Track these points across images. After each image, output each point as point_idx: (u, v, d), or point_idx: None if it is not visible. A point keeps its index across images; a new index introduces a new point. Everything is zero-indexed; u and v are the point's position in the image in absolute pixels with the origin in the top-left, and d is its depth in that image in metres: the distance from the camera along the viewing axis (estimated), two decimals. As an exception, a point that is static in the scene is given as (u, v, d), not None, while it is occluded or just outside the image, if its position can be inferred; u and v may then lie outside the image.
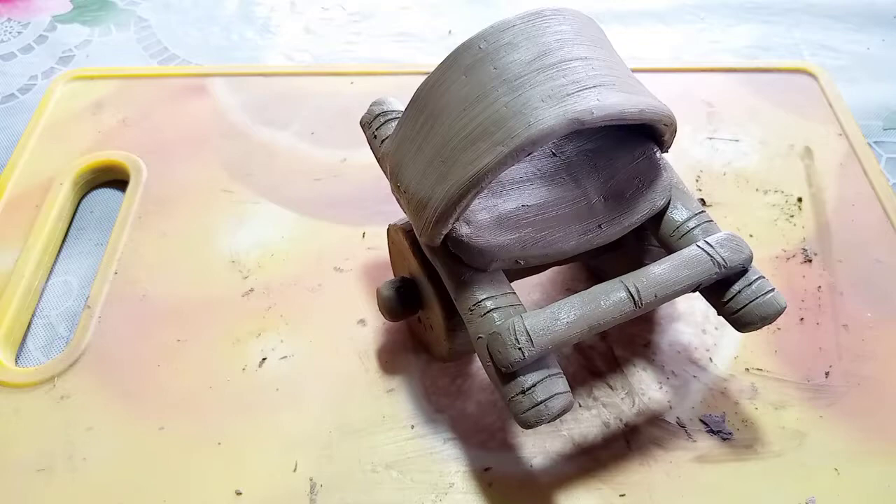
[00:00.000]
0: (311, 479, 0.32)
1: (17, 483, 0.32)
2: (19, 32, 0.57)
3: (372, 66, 0.52)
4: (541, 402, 0.26)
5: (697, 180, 0.44)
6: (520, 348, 0.26)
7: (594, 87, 0.26)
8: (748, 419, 0.34)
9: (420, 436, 0.33)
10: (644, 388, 0.35)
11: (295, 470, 0.32)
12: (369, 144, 0.33)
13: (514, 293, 0.29)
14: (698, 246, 0.29)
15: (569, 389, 0.27)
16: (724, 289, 0.30)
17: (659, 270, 0.29)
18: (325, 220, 0.42)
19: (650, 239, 0.34)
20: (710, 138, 0.47)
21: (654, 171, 0.31)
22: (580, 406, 0.34)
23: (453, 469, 0.32)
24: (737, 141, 0.47)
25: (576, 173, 0.31)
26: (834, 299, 0.38)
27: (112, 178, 0.45)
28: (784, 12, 0.60)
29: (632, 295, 0.28)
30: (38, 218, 0.41)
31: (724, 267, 0.29)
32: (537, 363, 0.27)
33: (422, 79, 0.28)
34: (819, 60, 0.55)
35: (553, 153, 0.32)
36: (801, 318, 0.38)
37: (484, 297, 0.28)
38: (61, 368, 0.35)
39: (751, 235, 0.41)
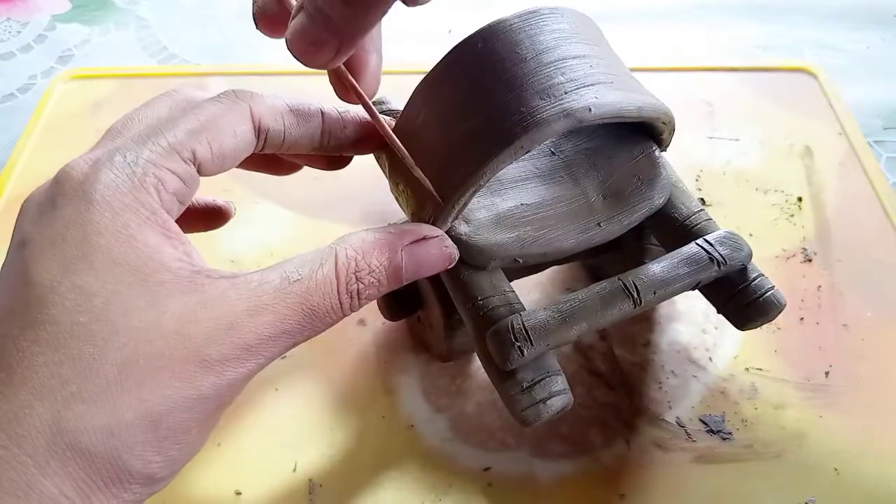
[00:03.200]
0: (310, 480, 0.32)
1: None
2: (18, 32, 0.57)
3: (371, 65, 0.52)
4: (540, 401, 0.26)
5: (697, 179, 0.44)
6: (518, 346, 0.26)
7: (592, 84, 0.26)
8: (748, 419, 0.34)
9: (419, 435, 0.33)
10: (644, 388, 0.35)
11: (294, 470, 0.32)
12: (368, 143, 0.33)
13: (514, 292, 0.28)
14: (697, 244, 0.29)
15: (567, 388, 0.27)
16: (723, 287, 0.30)
17: (658, 268, 0.29)
18: (324, 220, 0.42)
19: (649, 237, 0.34)
20: (710, 137, 0.47)
21: (652, 169, 0.31)
22: (579, 405, 0.34)
23: (453, 469, 0.32)
24: (737, 140, 0.47)
25: (574, 172, 0.31)
26: (834, 299, 0.38)
27: (111, 178, 0.45)
28: (784, 12, 0.59)
29: (631, 293, 0.28)
30: (37, 218, 0.41)
31: (724, 265, 0.29)
32: (536, 361, 0.27)
33: (420, 78, 0.28)
34: (819, 59, 0.55)
35: (552, 152, 0.31)
36: (801, 318, 0.37)
37: (483, 295, 0.28)
38: (60, 368, 0.35)
39: (751, 235, 0.41)
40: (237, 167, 0.29)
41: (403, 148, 0.26)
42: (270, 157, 0.30)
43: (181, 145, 0.23)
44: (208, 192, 0.40)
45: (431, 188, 0.26)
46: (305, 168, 0.31)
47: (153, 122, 0.24)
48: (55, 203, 0.22)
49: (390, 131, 0.26)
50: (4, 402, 0.19)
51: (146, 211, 0.22)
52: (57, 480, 0.19)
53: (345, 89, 0.26)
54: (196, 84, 0.50)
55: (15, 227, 0.23)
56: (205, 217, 0.31)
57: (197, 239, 0.40)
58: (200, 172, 0.24)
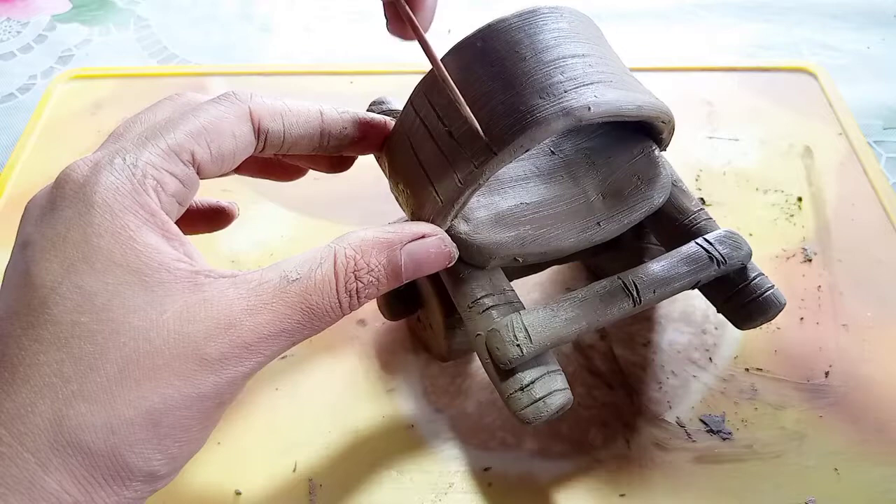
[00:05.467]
0: (310, 480, 0.32)
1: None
2: (18, 32, 0.57)
3: (371, 65, 0.52)
4: (539, 399, 0.26)
5: (697, 179, 0.44)
6: (518, 345, 0.26)
7: (592, 83, 0.26)
8: (748, 419, 0.34)
9: (420, 435, 0.33)
10: (644, 388, 0.35)
11: (294, 470, 0.32)
12: (368, 143, 0.33)
13: (513, 291, 0.28)
14: (697, 243, 0.29)
15: (567, 386, 0.27)
16: (723, 286, 0.30)
17: (658, 267, 0.29)
18: (324, 220, 0.42)
19: (649, 237, 0.34)
20: (710, 137, 0.47)
21: (652, 168, 0.31)
22: (579, 405, 0.34)
23: (453, 469, 0.32)
24: (737, 140, 0.47)
25: (574, 171, 0.31)
26: (834, 299, 0.38)
27: (111, 178, 0.45)
28: (784, 11, 0.59)
29: (630, 292, 0.28)
30: (37, 217, 0.41)
31: (723, 264, 0.29)
32: (536, 360, 0.27)
33: (420, 77, 0.28)
34: (819, 60, 0.55)
35: (552, 151, 0.31)
36: (801, 318, 0.37)
37: (482, 294, 0.28)
38: (60, 368, 0.35)
39: (751, 235, 0.41)
40: (242, 174, 0.29)
41: (451, 81, 0.25)
42: (273, 163, 0.30)
43: (180, 147, 0.23)
44: (208, 191, 0.41)
45: (478, 127, 0.25)
46: (306, 169, 0.31)
47: (154, 125, 0.24)
48: (56, 205, 0.22)
49: (441, 66, 0.26)
50: (7, 400, 0.19)
51: (145, 213, 0.22)
52: (59, 477, 0.19)
53: (400, 22, 0.26)
54: (196, 84, 0.50)
55: (18, 228, 0.23)
56: (208, 218, 0.31)
57: (197, 239, 0.40)
58: (200, 174, 0.24)
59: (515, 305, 0.28)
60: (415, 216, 0.28)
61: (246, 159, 0.26)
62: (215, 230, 0.31)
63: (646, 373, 0.35)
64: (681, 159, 0.45)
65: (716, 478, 0.32)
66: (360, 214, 0.42)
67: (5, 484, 0.19)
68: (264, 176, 0.31)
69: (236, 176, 0.29)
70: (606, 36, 0.30)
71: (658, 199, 0.30)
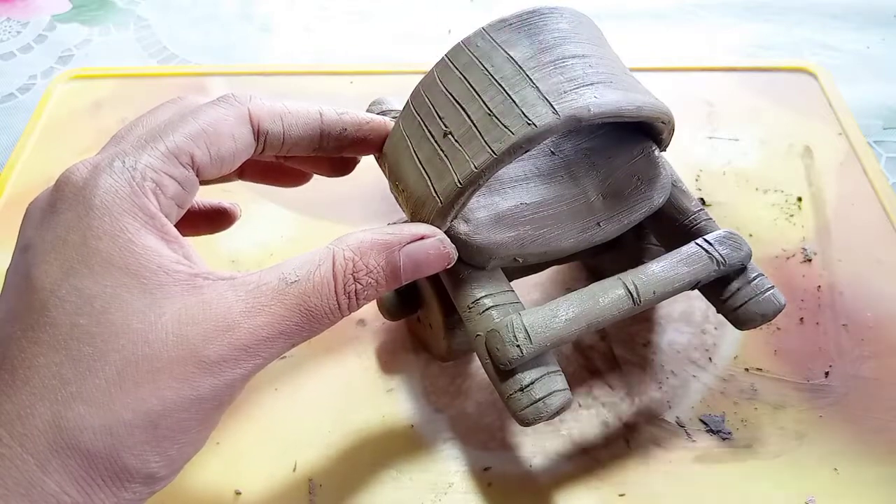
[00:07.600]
0: (310, 480, 0.32)
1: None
2: (18, 32, 0.57)
3: (371, 65, 0.52)
4: (539, 400, 0.26)
5: (697, 179, 0.44)
6: (518, 345, 0.26)
7: (592, 84, 0.26)
8: (748, 419, 0.34)
9: (419, 435, 0.33)
10: (643, 388, 0.35)
11: (294, 470, 0.32)
12: (368, 143, 0.33)
13: (513, 291, 0.28)
14: (697, 244, 0.29)
15: (567, 387, 0.27)
16: (723, 286, 0.30)
17: (657, 268, 0.29)
18: (324, 220, 0.42)
19: (649, 237, 0.34)
20: (710, 137, 0.47)
21: (652, 169, 0.31)
22: (580, 405, 0.34)
23: (452, 469, 0.32)
24: (736, 140, 0.47)
25: (574, 172, 0.31)
26: (834, 299, 0.38)
27: (111, 178, 0.45)
28: (784, 11, 0.59)
29: (630, 292, 0.28)
30: (37, 217, 0.41)
31: (723, 264, 0.29)
32: (535, 360, 0.27)
33: (420, 78, 0.28)
34: (819, 60, 0.55)
35: (552, 151, 0.31)
36: (801, 318, 0.37)
37: (482, 294, 0.28)
38: (60, 368, 0.35)
39: (750, 235, 0.41)
40: (245, 180, 0.29)
41: None
42: (276, 168, 0.30)
43: (179, 150, 0.23)
44: (208, 191, 0.40)
45: None
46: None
47: (153, 128, 0.24)
48: (56, 208, 0.22)
49: None
50: (7, 402, 0.20)
51: (145, 216, 0.22)
52: (58, 478, 0.19)
53: None
54: (196, 84, 0.50)
55: (19, 231, 0.23)
56: (210, 219, 0.31)
57: (197, 239, 0.40)
58: (200, 176, 0.24)
59: (515, 306, 0.28)
60: (414, 216, 0.28)
61: (249, 164, 0.26)
62: (217, 231, 0.31)
63: (646, 373, 0.35)
64: (681, 159, 0.45)
65: (715, 477, 0.32)
66: (360, 214, 0.42)
67: (5, 485, 0.19)
68: (267, 181, 0.31)
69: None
70: (606, 36, 0.30)
71: (658, 199, 0.30)
